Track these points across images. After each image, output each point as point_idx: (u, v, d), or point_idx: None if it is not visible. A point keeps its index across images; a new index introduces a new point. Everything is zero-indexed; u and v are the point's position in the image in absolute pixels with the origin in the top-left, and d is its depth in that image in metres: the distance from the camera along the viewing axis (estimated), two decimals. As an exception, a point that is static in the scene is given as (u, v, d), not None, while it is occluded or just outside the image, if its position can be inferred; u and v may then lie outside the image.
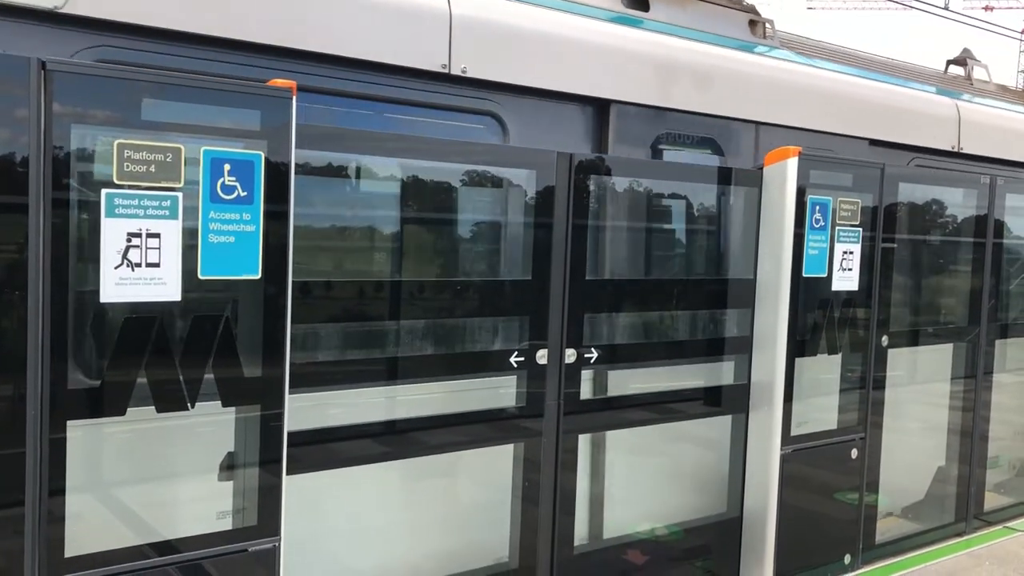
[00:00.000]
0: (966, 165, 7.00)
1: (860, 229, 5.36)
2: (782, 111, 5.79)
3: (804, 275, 5.09)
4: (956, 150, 6.95)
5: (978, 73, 8.43)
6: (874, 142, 6.34)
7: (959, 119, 6.98)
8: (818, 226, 5.13)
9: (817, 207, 5.11)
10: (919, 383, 6.40)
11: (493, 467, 4.50)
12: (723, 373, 5.24)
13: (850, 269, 5.34)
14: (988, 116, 7.47)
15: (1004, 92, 8.62)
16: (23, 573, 2.92)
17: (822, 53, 6.88)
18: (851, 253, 5.33)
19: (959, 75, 8.38)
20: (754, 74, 5.74)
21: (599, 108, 4.97)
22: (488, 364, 4.31)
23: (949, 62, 8.53)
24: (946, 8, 12.47)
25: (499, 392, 4.36)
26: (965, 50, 8.64)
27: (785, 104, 5.82)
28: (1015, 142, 7.55)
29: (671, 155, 5.31)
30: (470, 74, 4.40)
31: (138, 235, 3.00)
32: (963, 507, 6.46)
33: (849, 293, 5.38)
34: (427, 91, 4.36)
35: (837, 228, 5.23)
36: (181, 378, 3.14)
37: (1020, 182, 6.90)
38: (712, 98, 5.40)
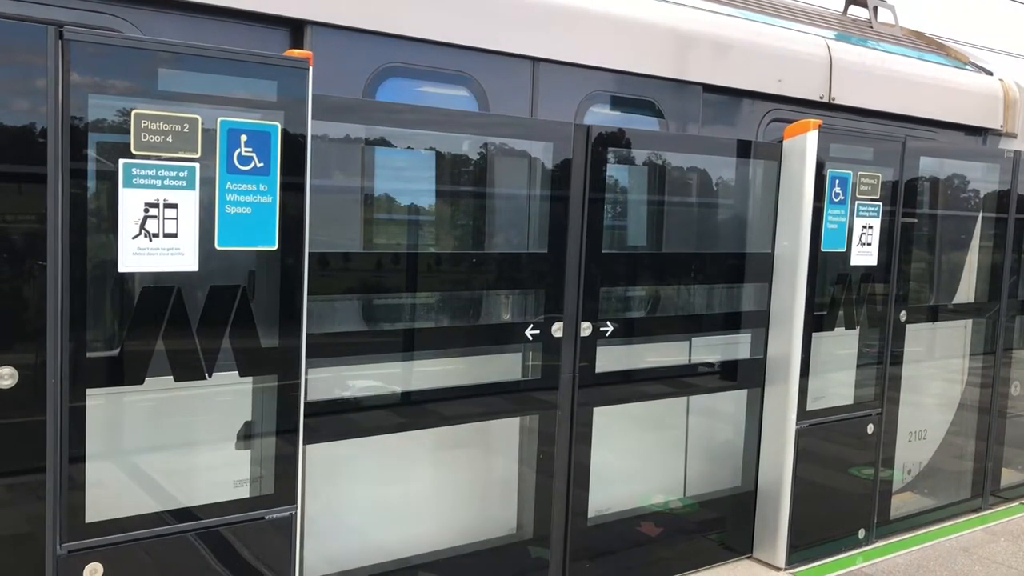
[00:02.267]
0: (841, 119, 5.99)
1: (880, 203, 5.31)
2: (573, 45, 4.75)
3: (823, 249, 5.06)
4: (827, 101, 5.90)
5: (883, 15, 7.40)
6: (711, 88, 5.37)
7: (831, 63, 5.90)
8: (837, 200, 5.09)
9: (837, 181, 5.06)
10: (937, 359, 6.36)
11: (507, 439, 4.52)
12: (740, 347, 5.23)
13: (869, 244, 5.30)
14: (873, 61, 6.30)
15: (917, 38, 7.58)
16: (45, 538, 2.98)
17: None
18: (870, 227, 5.29)
19: (860, 17, 7.41)
20: None
21: (293, 31, 4.06)
22: (504, 337, 4.32)
23: (848, 2, 7.51)
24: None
25: (514, 364, 4.37)
26: None
27: (577, 36, 4.75)
28: (908, 94, 6.41)
29: (407, 93, 4.34)
30: None
31: (155, 205, 3.02)
32: (979, 483, 6.45)
33: (868, 268, 5.35)
34: None
35: (856, 202, 5.19)
36: (199, 347, 3.17)
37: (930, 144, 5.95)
38: (468, 24, 4.39)
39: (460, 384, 4.23)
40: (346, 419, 3.89)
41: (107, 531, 3.07)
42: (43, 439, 2.95)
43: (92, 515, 3.04)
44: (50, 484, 2.97)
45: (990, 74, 7.27)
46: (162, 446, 3.37)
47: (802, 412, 5.13)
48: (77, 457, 3.00)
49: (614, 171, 4.63)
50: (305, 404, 3.44)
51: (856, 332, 5.43)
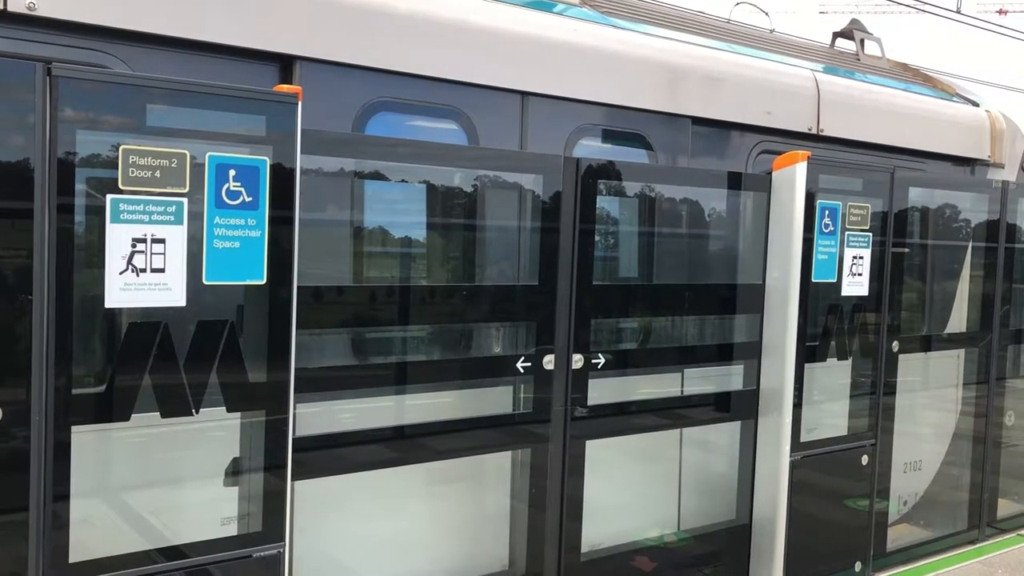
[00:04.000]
0: (829, 150, 6.02)
1: (870, 234, 5.32)
2: (562, 79, 4.78)
3: (814, 280, 5.06)
4: (815, 132, 5.95)
5: (870, 48, 7.48)
6: (700, 121, 5.40)
7: (819, 95, 5.97)
8: (827, 231, 5.10)
9: (826, 212, 5.07)
10: (931, 389, 6.34)
11: (498, 473, 4.48)
12: (732, 379, 5.20)
13: (860, 274, 5.31)
14: (860, 93, 6.38)
15: (904, 70, 7.66)
16: None
17: (639, 15, 5.76)
18: (861, 258, 5.29)
19: (847, 50, 7.41)
20: (515, 32, 4.67)
21: (282, 66, 4.07)
22: (495, 370, 4.30)
23: (835, 35, 7.58)
24: (958, 11, 12.40)
25: (505, 398, 4.35)
26: (854, 21, 7.73)
27: (566, 70, 4.81)
28: (896, 125, 6.46)
29: (396, 128, 4.37)
30: (41, 12, 3.43)
31: (143, 240, 3.01)
32: (976, 514, 6.40)
33: (859, 298, 5.34)
34: None
35: (847, 233, 5.20)
36: (186, 383, 3.14)
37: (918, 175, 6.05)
38: (458, 59, 4.44)
39: (452, 418, 4.20)
40: (335, 454, 3.85)
41: (91, 571, 3.02)
42: (27, 477, 2.91)
43: (76, 555, 2.99)
44: (33, 523, 2.92)
45: (977, 105, 7.34)
46: (148, 483, 3.33)
47: (796, 444, 5.09)
48: (61, 495, 2.96)
49: (604, 203, 4.64)
50: (293, 439, 3.41)
51: (849, 363, 5.41)
